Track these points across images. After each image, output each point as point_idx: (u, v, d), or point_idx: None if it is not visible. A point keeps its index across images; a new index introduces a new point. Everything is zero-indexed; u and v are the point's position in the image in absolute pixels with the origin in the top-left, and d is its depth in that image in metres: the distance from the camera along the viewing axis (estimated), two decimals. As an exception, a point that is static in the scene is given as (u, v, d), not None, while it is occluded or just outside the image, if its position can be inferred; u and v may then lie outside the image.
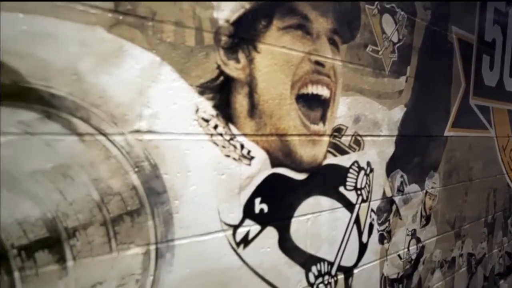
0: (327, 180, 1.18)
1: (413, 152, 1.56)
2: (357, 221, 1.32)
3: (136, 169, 0.75)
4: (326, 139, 1.15)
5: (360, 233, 1.34)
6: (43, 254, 0.65)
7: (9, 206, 0.61)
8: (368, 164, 1.33)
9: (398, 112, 1.44)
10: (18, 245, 0.62)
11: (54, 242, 0.66)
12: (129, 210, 0.75)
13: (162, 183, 0.79)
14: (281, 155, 1.03)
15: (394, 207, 1.49)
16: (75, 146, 0.67)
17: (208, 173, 0.87)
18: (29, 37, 0.61)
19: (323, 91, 1.13)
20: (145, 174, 0.76)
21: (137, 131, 0.75)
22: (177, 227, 0.82)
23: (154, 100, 0.76)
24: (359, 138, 1.27)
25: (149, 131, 0.76)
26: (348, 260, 1.30)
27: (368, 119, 1.30)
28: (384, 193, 1.43)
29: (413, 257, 1.64)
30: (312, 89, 1.09)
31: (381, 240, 1.44)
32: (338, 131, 1.19)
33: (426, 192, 1.67)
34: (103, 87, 0.69)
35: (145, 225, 0.77)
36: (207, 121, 0.85)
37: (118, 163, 0.73)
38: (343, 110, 1.20)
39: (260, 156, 0.97)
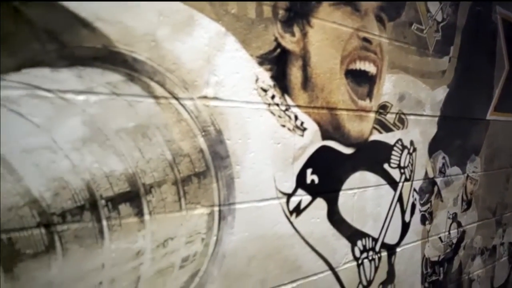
0: (372, 156, 1.20)
1: (454, 134, 1.56)
2: (400, 199, 1.34)
3: (203, 133, 0.81)
4: (372, 115, 1.18)
5: (403, 212, 1.36)
6: (125, 207, 0.72)
7: (99, 160, 0.68)
8: (411, 143, 1.35)
9: (441, 93, 1.45)
10: (106, 197, 0.69)
11: (134, 196, 0.72)
12: (197, 172, 0.80)
13: (225, 148, 0.84)
14: (331, 128, 1.06)
15: (435, 189, 1.50)
16: (152, 108, 0.73)
17: (266, 142, 0.92)
18: (118, 6, 0.67)
19: (370, 68, 1.15)
20: (211, 139, 0.82)
21: (205, 97, 0.80)
22: (238, 191, 0.87)
23: (219, 68, 0.82)
24: (403, 116, 1.29)
25: (215, 98, 0.82)
26: (391, 238, 1.32)
27: (412, 98, 1.32)
28: (426, 173, 1.44)
29: (454, 241, 1.64)
30: (360, 65, 1.12)
31: (423, 220, 1.46)
32: (383, 108, 1.22)
33: (468, 176, 1.66)
34: (177, 53, 0.75)
35: (210, 187, 0.83)
36: (265, 91, 0.90)
37: (188, 126, 0.78)
38: (388, 87, 1.22)
39: (312, 128, 1.01)
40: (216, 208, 0.84)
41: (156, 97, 0.74)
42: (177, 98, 0.76)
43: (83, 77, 0.65)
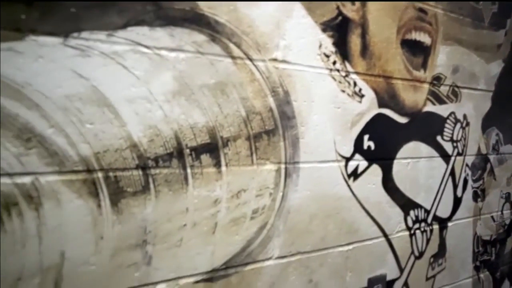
0: (426, 127, 1.23)
1: (509, 111, 1.55)
2: (452, 173, 1.35)
3: (273, 93, 0.88)
4: (426, 86, 1.21)
5: (455, 187, 1.37)
6: (206, 157, 0.80)
7: (185, 112, 0.76)
8: (465, 117, 1.36)
9: (496, 67, 1.45)
10: (190, 146, 0.78)
11: (213, 148, 0.81)
12: (267, 129, 0.88)
13: (291, 109, 0.91)
14: (387, 96, 1.11)
15: (488, 166, 1.50)
16: (230, 68, 0.81)
17: (327, 105, 0.97)
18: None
19: (425, 38, 1.18)
20: (279, 99, 0.89)
21: (275, 60, 0.87)
22: (302, 151, 0.94)
23: (287, 33, 0.88)
24: (456, 89, 1.31)
25: (284, 61, 0.88)
26: (443, 211, 1.34)
27: (466, 70, 1.33)
28: (479, 149, 1.44)
29: (507, 222, 1.63)
30: (415, 35, 1.15)
31: (475, 197, 1.46)
32: (437, 79, 1.24)
33: (521, 155, 1.64)
34: (252, 17, 0.82)
35: (278, 145, 0.90)
36: (327, 56, 0.96)
37: (259, 86, 0.86)
38: (442, 59, 1.24)
39: (369, 95, 1.06)
40: (283, 166, 0.91)
41: (233, 57, 0.81)
42: (251, 59, 0.84)
43: (174, 36, 0.74)
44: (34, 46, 0.62)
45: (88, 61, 0.66)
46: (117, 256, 0.72)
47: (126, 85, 0.70)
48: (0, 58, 0.59)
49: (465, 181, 1.42)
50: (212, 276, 0.84)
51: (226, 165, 0.83)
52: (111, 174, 0.70)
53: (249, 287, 0.89)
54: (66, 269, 0.67)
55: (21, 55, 0.61)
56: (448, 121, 1.31)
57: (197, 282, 0.82)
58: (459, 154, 1.37)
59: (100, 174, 0.68)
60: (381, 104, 1.09)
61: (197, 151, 0.79)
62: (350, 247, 1.08)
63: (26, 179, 0.62)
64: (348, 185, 1.05)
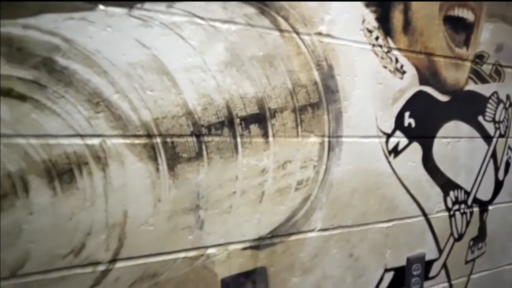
0: (467, 107, 1.23)
1: (553, 93, 1.51)
2: (493, 155, 1.34)
3: (318, 67, 0.90)
4: (468, 64, 1.21)
5: (496, 169, 1.36)
6: (255, 127, 0.84)
7: (236, 82, 0.80)
8: (508, 97, 1.34)
9: (540, 46, 1.42)
10: (240, 116, 0.82)
11: (261, 118, 0.84)
12: (311, 102, 0.91)
13: (335, 83, 0.94)
14: (428, 73, 1.11)
15: (531, 149, 1.47)
16: (278, 40, 0.85)
17: (369, 81, 0.99)
18: None
19: (468, 15, 1.18)
20: (323, 73, 0.92)
21: (320, 34, 0.90)
22: (345, 125, 0.96)
23: (332, 8, 0.91)
24: (499, 68, 1.29)
25: (328, 35, 0.91)
26: (483, 194, 1.33)
27: (510, 49, 1.31)
28: (521, 131, 1.42)
29: (548, 208, 1.59)
30: (458, 12, 1.15)
31: (516, 181, 1.44)
32: (480, 57, 1.23)
33: None
34: (299, -9, 0.86)
35: (322, 118, 0.93)
36: (370, 32, 0.98)
37: (305, 59, 0.89)
38: (485, 36, 1.23)
39: (411, 71, 1.07)
40: (326, 139, 0.94)
41: (281, 30, 0.85)
42: (297, 33, 0.87)
43: (227, 8, 0.78)
44: (104, 16, 0.67)
45: (149, 31, 0.71)
46: (173, 218, 0.77)
47: (183, 54, 0.74)
48: (74, 27, 0.64)
49: (507, 164, 1.40)
50: (258, 244, 0.88)
51: (273, 135, 0.86)
52: (168, 139, 0.74)
53: (293, 257, 0.93)
54: (128, 228, 0.72)
55: (92, 24, 0.66)
56: (490, 101, 1.30)
57: (244, 248, 0.86)
58: (501, 135, 1.35)
59: (158, 139, 0.73)
60: (422, 81, 1.10)
61: (247, 121, 0.83)
62: (390, 224, 1.10)
63: (95, 141, 0.68)
64: (389, 162, 1.07)
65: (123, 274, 0.73)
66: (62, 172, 0.66)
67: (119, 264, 0.72)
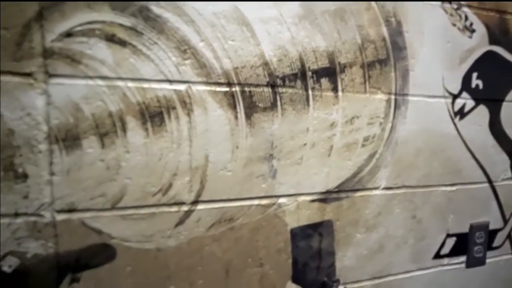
0: (538, 71, 1.21)
1: None
2: None
3: (386, 23, 0.93)
4: (540, 25, 1.18)
5: None
6: (325, 81, 0.88)
7: (309, 36, 0.85)
8: None
9: None
10: (312, 69, 0.86)
11: (331, 72, 0.88)
12: (379, 59, 0.94)
13: (403, 40, 0.96)
14: (499, 33, 1.11)
15: None
16: (349, -5, 0.88)
17: (437, 39, 1.01)
18: None
19: (542, -28, 1.15)
20: (392, 29, 0.94)
21: (389, -12, 0.93)
22: (411, 84, 0.99)
23: (402, -38, 0.93)
24: None
25: (398, -10, 0.94)
26: (551, 164, 1.31)
27: None
28: None
29: None
30: (531, -32, 1.13)
31: None
32: (552, 18, 1.21)
33: None
34: None
35: (389, 75, 0.95)
36: (440, -13, 0.99)
37: (374, 14, 0.91)
38: (559, -4, 1.20)
39: (480, 30, 1.07)
40: (393, 97, 0.97)
41: (352, -16, 0.88)
42: (367, -13, 0.90)
43: (302, -39, 0.82)
44: (192, -34, 0.73)
45: (231, -18, 0.77)
46: (248, 166, 0.83)
47: (262, 6, 0.79)
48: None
49: None
50: (326, 197, 0.93)
51: (342, 90, 0.90)
52: (246, 89, 0.80)
53: (358, 213, 0.97)
54: (209, 171, 0.79)
55: (182, -26, 0.73)
56: (561, 65, 1.27)
57: (313, 201, 0.91)
58: None
59: (237, 88, 0.79)
60: (492, 41, 1.10)
61: (318, 74, 0.87)
62: (454, 188, 1.11)
63: (182, 87, 0.75)
64: (454, 124, 1.08)
65: (203, 216, 0.80)
66: (154, 115, 0.73)
67: (200, 206, 0.80)
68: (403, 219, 1.04)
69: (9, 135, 0.64)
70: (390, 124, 0.98)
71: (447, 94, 1.05)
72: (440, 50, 1.02)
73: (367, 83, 0.93)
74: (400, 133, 0.99)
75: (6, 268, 0.66)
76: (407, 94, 0.99)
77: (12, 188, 0.65)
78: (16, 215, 0.66)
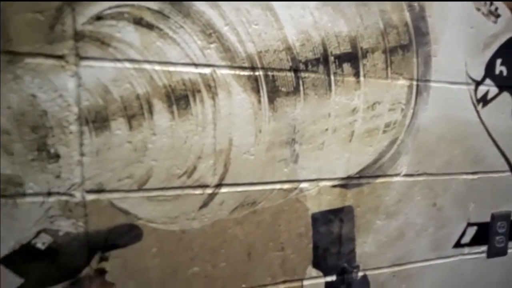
0: None
1: None
2: None
3: (409, 8, 0.94)
4: None
5: None
6: (347, 66, 0.89)
7: (331, 20, 0.86)
8: None
9: None
10: (334, 54, 0.87)
11: (353, 57, 0.89)
12: (402, 44, 0.94)
13: (426, 25, 0.96)
14: (523, 19, 1.10)
15: None
16: (372, -21, 0.89)
17: (461, 24, 1.01)
18: None
19: None
20: (415, 13, 0.94)
21: (413, -28, 0.93)
22: (434, 69, 0.99)
23: None
24: None
25: (421, -26, 0.94)
26: None
27: None
28: None
29: None
30: (558, -48, 1.12)
31: None
32: None
33: None
34: None
35: (411, 61, 0.96)
36: (464, -29, 0.99)
37: (397, -1, 0.92)
38: None
39: (506, 15, 1.07)
40: (415, 83, 0.97)
41: (375, -32, 0.89)
42: (391, -29, 0.90)
43: None
44: (217, -50, 0.75)
45: (255, -34, 0.78)
46: (271, 150, 0.84)
47: (285, -10, 0.81)
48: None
49: None
50: (347, 182, 0.94)
51: (364, 76, 0.91)
52: (269, 73, 0.82)
53: (379, 199, 0.98)
54: (232, 155, 0.81)
55: (207, -42, 0.74)
56: None
57: (334, 186, 0.93)
58: None
59: (261, 72, 0.81)
60: (516, 27, 1.09)
61: (340, 59, 0.88)
62: (475, 176, 1.11)
63: (207, 70, 0.77)
64: (477, 111, 1.08)
65: (227, 199, 0.82)
66: (179, 98, 0.75)
67: (224, 189, 0.82)
68: (424, 207, 1.05)
69: (42, 116, 0.67)
70: (411, 111, 0.98)
71: (470, 81, 1.05)
72: (464, 35, 1.02)
73: (389, 68, 0.94)
74: (422, 119, 1.00)
75: (40, 245, 0.70)
76: (429, 80, 0.99)
77: (45, 168, 0.68)
78: (49, 194, 0.69)
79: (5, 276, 0.67)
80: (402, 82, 0.96)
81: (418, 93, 0.98)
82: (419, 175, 1.03)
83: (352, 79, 0.90)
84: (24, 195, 0.67)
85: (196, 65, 0.76)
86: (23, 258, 0.69)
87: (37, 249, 0.70)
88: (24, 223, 0.68)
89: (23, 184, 0.67)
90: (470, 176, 1.11)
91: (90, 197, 0.72)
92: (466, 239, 1.14)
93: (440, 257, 1.11)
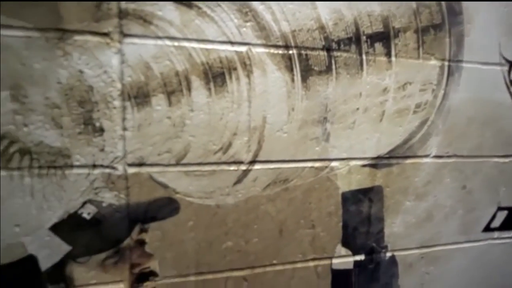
0: None
1: None
2: None
3: (442, -13, 0.96)
4: None
5: None
6: (379, 45, 0.92)
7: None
8: None
9: None
10: (366, 33, 0.90)
11: (385, 37, 0.92)
12: (434, 24, 0.96)
13: (459, 4, 0.98)
14: (559, -2, 1.10)
15: None
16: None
17: (495, 4, 1.02)
18: None
19: None
20: (448, -7, 0.97)
21: (446, -49, 0.95)
22: (466, 50, 1.01)
23: None
24: None
25: (455, -48, 0.95)
26: None
27: None
28: None
29: None
30: None
31: None
32: None
33: None
34: None
35: (443, 41, 0.98)
36: (498, -51, 1.00)
37: (431, -22, 0.94)
38: None
39: (540, -5, 1.07)
40: (446, 63, 0.99)
41: None
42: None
43: None
44: None
45: None
46: (303, 128, 0.88)
47: (319, -31, 0.84)
48: None
49: None
50: (377, 162, 0.97)
51: (396, 55, 0.94)
52: (302, 52, 0.85)
53: (408, 180, 1.01)
54: (266, 132, 0.85)
55: None
56: None
57: (364, 165, 0.96)
58: None
59: (294, 51, 0.84)
60: (551, 7, 1.10)
61: (372, 38, 0.91)
62: (506, 160, 1.13)
63: (243, 48, 0.80)
64: (510, 92, 1.09)
65: (260, 176, 0.87)
66: (216, 75, 0.79)
67: (257, 166, 0.86)
68: (453, 189, 1.07)
69: (88, 91, 0.72)
70: (442, 91, 1.00)
71: (503, 61, 1.06)
72: (497, 15, 1.03)
73: (420, 48, 0.96)
74: (453, 100, 1.02)
75: (85, 215, 0.75)
76: (461, 61, 1.01)
77: (91, 141, 0.73)
78: (94, 166, 0.74)
79: (55, 243, 0.73)
80: (434, 62, 0.98)
81: (449, 73, 1.00)
82: (449, 157, 1.05)
83: (383, 58, 0.92)
84: (71, 166, 0.73)
85: (232, 43, 0.79)
86: (70, 227, 0.74)
87: (83, 218, 0.75)
88: (71, 194, 0.74)
89: (71, 156, 0.72)
90: (502, 160, 1.12)
91: (131, 170, 0.77)
92: (496, 223, 1.15)
93: (469, 241, 1.13)
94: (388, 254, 1.03)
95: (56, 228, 0.74)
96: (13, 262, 0.71)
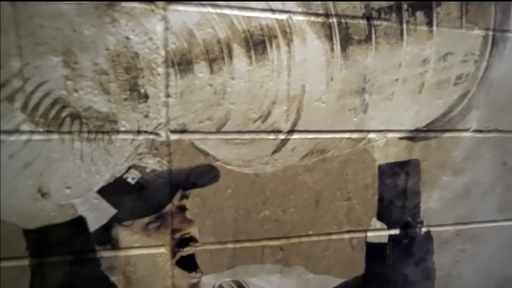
0: None
1: None
2: None
3: (488, -47, 0.95)
4: None
5: None
6: (420, 14, 0.92)
7: (406, -34, 0.89)
8: None
9: None
10: (408, 2, 0.91)
11: (427, 5, 0.92)
12: (479, -8, 0.96)
13: (505, -29, 0.97)
14: None
15: None
16: None
17: (543, -30, 1.01)
18: None
19: None
20: (494, -41, 0.96)
21: None
22: None
23: None
24: None
25: None
26: None
27: None
28: None
29: None
30: None
31: None
32: None
33: None
34: None
35: (488, 9, 0.97)
36: None
37: None
38: None
39: None
40: (491, 33, 0.99)
41: None
42: None
43: None
44: None
45: None
46: (341, 98, 0.90)
47: None
48: None
49: None
50: (414, 135, 0.98)
51: (437, 25, 0.94)
52: (342, 20, 0.87)
53: (446, 154, 1.02)
54: (305, 102, 0.88)
55: None
56: None
57: (401, 138, 0.98)
58: None
59: (335, 19, 0.86)
60: None
61: (413, 7, 0.91)
62: (549, 136, 1.12)
63: (283, 16, 0.83)
64: (555, 65, 1.08)
65: (298, 145, 0.90)
66: (257, 43, 0.82)
67: (295, 135, 0.89)
68: (493, 165, 1.08)
69: (134, 58, 0.75)
70: (485, 63, 1.00)
71: (547, 33, 1.05)
72: (545, -17, 1.02)
73: (463, 17, 0.96)
74: (496, 73, 1.02)
75: (130, 180, 0.80)
76: (507, 31, 1.00)
77: (136, 107, 0.78)
78: (138, 132, 0.79)
79: (102, 206, 0.78)
80: (477, 32, 0.98)
81: (493, 44, 1.00)
82: (489, 131, 1.05)
83: (424, 28, 0.93)
84: (118, 132, 0.77)
85: (273, 10, 0.82)
86: (116, 191, 0.79)
87: (128, 183, 0.80)
88: (117, 159, 0.78)
89: (117, 122, 0.77)
90: (543, 136, 1.12)
91: (174, 137, 0.81)
92: (536, 201, 1.16)
93: (507, 219, 1.14)
94: (424, 230, 1.05)
95: (103, 192, 0.79)
96: (65, 222, 0.77)
